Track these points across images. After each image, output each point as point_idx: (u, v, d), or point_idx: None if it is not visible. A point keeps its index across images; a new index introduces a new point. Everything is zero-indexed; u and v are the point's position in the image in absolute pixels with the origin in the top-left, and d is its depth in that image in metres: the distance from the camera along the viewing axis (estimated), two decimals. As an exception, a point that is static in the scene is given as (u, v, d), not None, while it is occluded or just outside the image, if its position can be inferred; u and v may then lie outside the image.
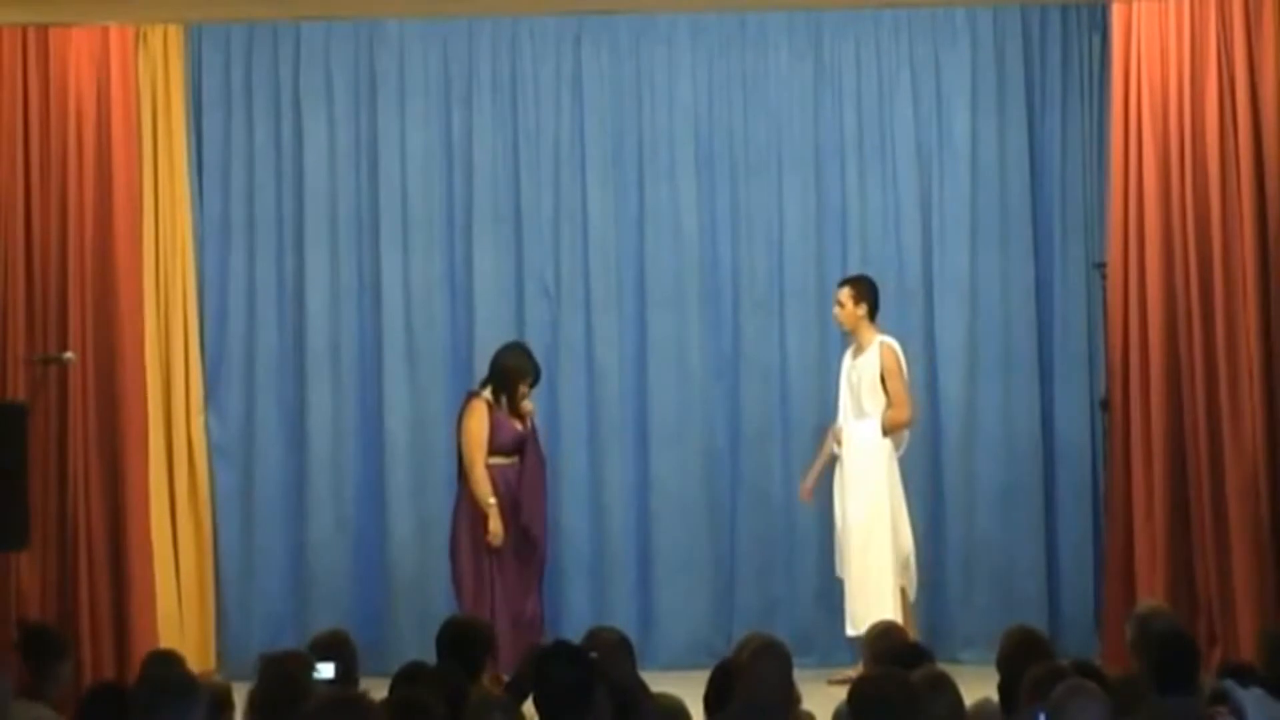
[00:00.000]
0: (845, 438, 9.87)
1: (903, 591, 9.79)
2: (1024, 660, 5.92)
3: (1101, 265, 10.13)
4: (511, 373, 9.74)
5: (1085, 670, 5.90)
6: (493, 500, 9.56)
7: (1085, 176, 10.66)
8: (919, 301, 10.54)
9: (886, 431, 9.81)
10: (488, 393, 9.74)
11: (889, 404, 9.80)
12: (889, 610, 9.51)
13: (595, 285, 10.66)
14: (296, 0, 9.95)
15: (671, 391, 10.62)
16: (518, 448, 9.73)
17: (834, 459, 9.96)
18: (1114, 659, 9.01)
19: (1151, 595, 9.20)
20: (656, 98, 10.72)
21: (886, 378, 9.80)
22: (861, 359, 9.88)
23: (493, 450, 9.64)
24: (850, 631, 9.66)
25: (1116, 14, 10.00)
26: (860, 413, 9.85)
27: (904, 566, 9.81)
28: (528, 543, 9.67)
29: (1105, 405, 10.07)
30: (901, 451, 9.94)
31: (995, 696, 6.07)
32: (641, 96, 10.73)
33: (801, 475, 10.20)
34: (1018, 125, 10.70)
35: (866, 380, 9.83)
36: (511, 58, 10.70)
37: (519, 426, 9.73)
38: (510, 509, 9.62)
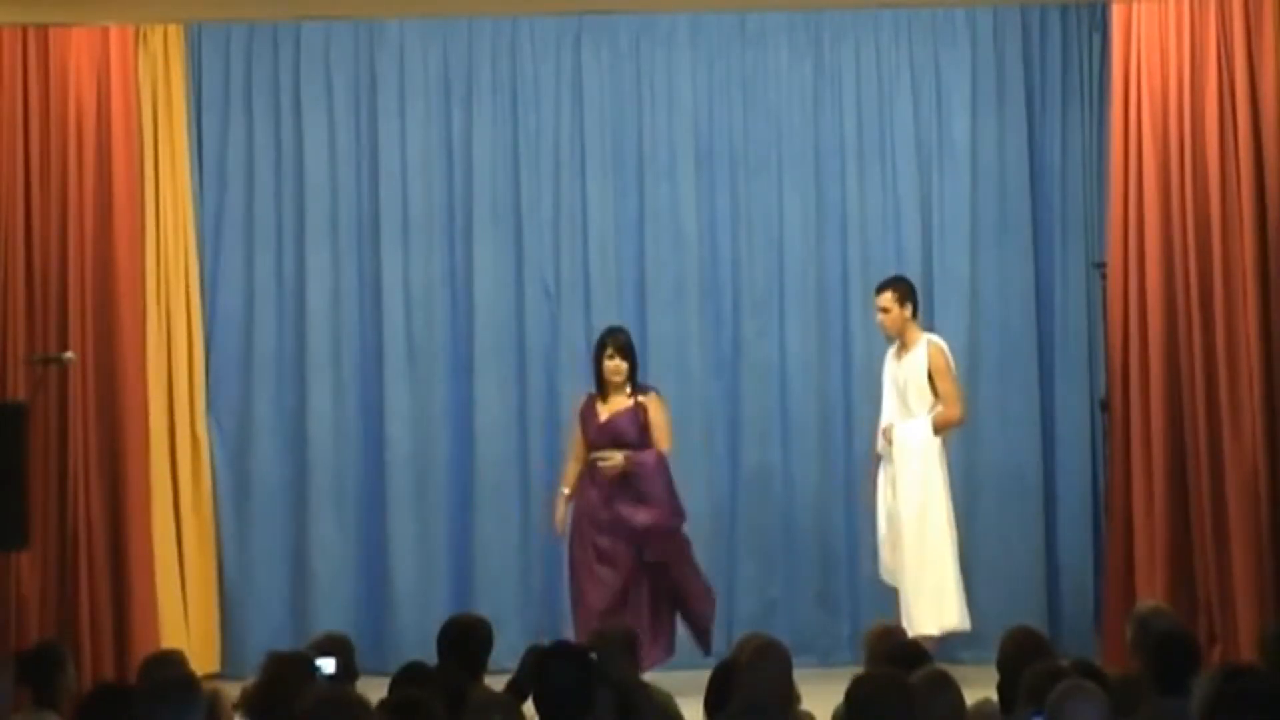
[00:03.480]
0: (894, 439, 9.72)
1: None
2: (1024, 660, 5.91)
3: (1101, 265, 10.13)
4: (595, 350, 9.66)
5: (1085, 670, 5.89)
6: (565, 490, 9.54)
7: (1085, 176, 10.66)
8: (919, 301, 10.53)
9: (938, 430, 9.67)
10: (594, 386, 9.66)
11: (938, 403, 9.71)
12: (954, 610, 9.51)
13: (595, 285, 10.66)
14: (296, 0, 9.95)
15: (671, 391, 10.58)
16: (613, 441, 9.46)
17: (879, 460, 9.85)
18: (1114, 659, 9.01)
19: (1151, 595, 9.20)
20: (656, 98, 10.72)
21: (936, 377, 9.68)
22: (907, 358, 9.75)
23: (590, 445, 9.53)
24: (911, 634, 9.46)
25: (1116, 14, 10.00)
26: (908, 413, 9.73)
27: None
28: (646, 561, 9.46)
29: (1105, 405, 10.07)
30: (948, 448, 9.82)
31: (995, 696, 6.07)
32: (641, 96, 10.72)
33: (861, 485, 10.11)
34: (1017, 125, 10.70)
35: (913, 380, 9.70)
36: (511, 58, 10.70)
37: (600, 419, 9.49)
38: (605, 503, 9.43)
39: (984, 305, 10.65)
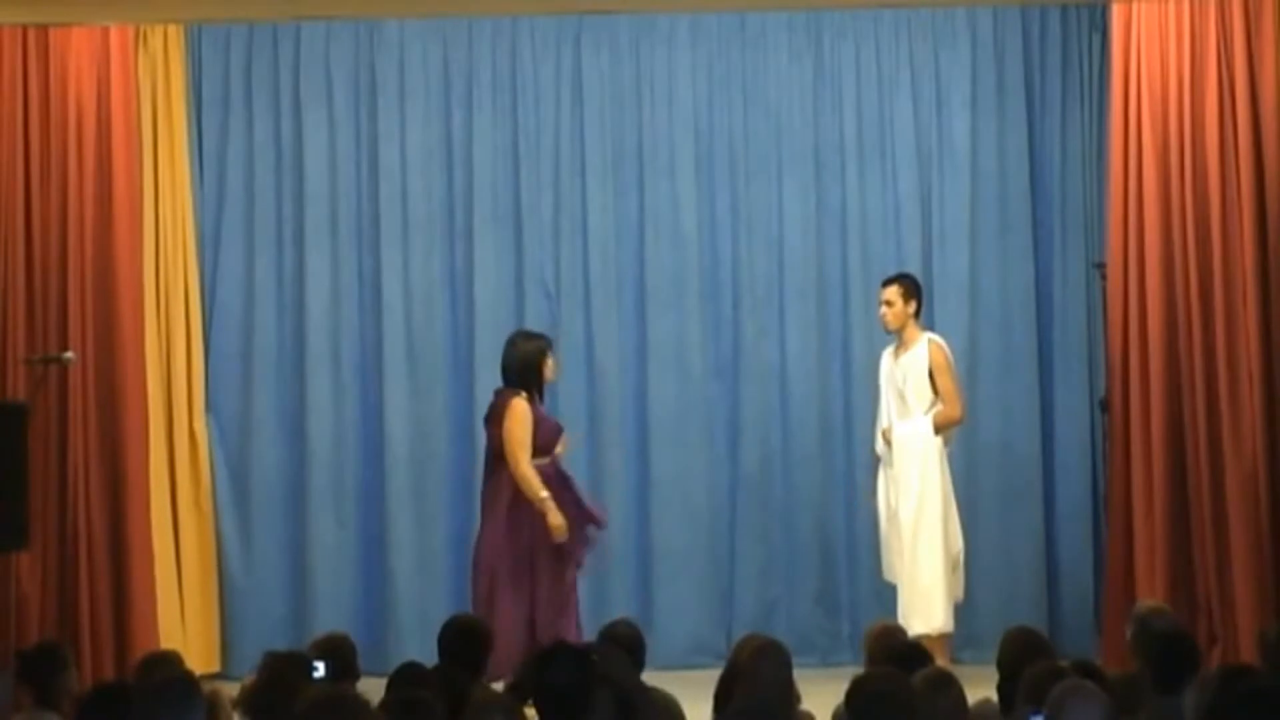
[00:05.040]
0: (894, 439, 9.68)
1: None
2: (1024, 660, 5.91)
3: (1101, 265, 10.13)
4: (533, 354, 9.19)
5: (1085, 670, 5.90)
6: (545, 494, 8.99)
7: (1085, 176, 10.67)
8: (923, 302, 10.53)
9: (938, 430, 9.63)
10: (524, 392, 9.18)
11: (938, 401, 9.67)
12: (939, 614, 9.49)
13: (595, 285, 10.67)
14: (296, 0, 9.95)
15: (671, 391, 10.62)
16: (552, 446, 9.19)
17: (878, 460, 9.81)
18: (1114, 659, 9.01)
19: (1151, 595, 9.20)
20: (656, 98, 10.73)
21: (936, 374, 9.64)
22: (906, 357, 9.71)
23: (544, 449, 9.10)
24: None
25: (1116, 14, 10.00)
26: (906, 411, 9.68)
27: (952, 568, 9.64)
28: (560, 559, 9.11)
29: (1105, 405, 10.07)
30: (950, 449, 9.78)
31: (995, 696, 6.07)
32: (641, 96, 10.73)
33: (864, 485, 10.09)
34: (1018, 125, 10.71)
35: (913, 378, 9.67)
36: (511, 58, 10.71)
37: (553, 420, 9.26)
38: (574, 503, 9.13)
39: (984, 305, 10.66)
